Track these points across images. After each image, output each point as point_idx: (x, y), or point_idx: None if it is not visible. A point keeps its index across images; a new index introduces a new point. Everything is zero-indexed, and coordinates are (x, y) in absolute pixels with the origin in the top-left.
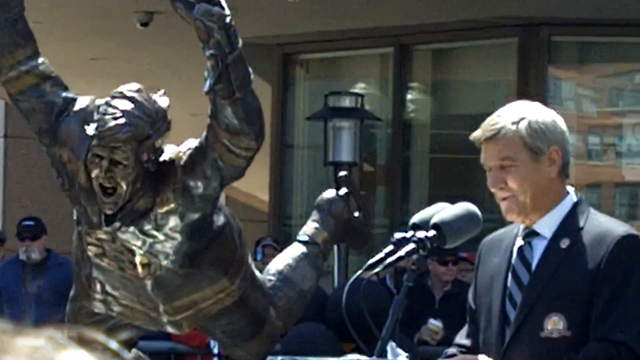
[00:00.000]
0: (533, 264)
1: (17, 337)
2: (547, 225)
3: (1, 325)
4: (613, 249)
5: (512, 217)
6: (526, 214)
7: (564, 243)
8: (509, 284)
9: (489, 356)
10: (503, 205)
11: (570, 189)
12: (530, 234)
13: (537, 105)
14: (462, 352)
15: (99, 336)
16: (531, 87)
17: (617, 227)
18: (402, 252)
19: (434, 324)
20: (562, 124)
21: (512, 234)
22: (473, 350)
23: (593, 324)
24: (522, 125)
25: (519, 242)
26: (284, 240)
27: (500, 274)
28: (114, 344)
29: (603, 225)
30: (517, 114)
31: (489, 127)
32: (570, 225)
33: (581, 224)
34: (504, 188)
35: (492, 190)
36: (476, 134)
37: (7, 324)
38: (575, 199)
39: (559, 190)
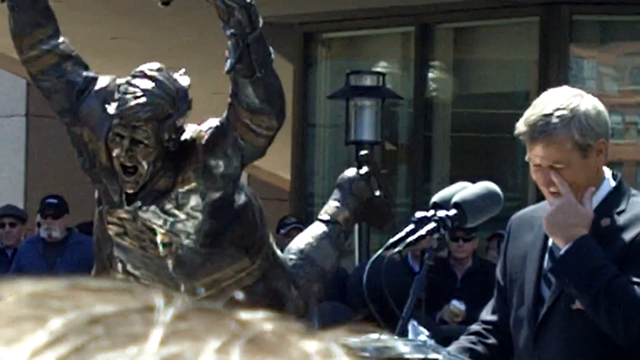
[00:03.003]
0: None
1: (297, 338)
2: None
3: (288, 325)
4: None
5: None
6: None
7: (604, 222)
8: (545, 264)
9: (521, 333)
10: (551, 199)
11: (607, 170)
12: None
13: (579, 94)
14: (486, 330)
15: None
16: (552, 66)
17: None
18: (422, 231)
19: (457, 306)
20: (604, 111)
21: (545, 211)
22: (499, 326)
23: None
24: (574, 125)
25: None
26: (305, 219)
27: (534, 253)
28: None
29: None
30: (565, 112)
31: (538, 127)
32: (610, 206)
33: (622, 206)
34: (554, 185)
35: (540, 186)
36: (522, 131)
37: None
38: (613, 182)
39: (600, 175)
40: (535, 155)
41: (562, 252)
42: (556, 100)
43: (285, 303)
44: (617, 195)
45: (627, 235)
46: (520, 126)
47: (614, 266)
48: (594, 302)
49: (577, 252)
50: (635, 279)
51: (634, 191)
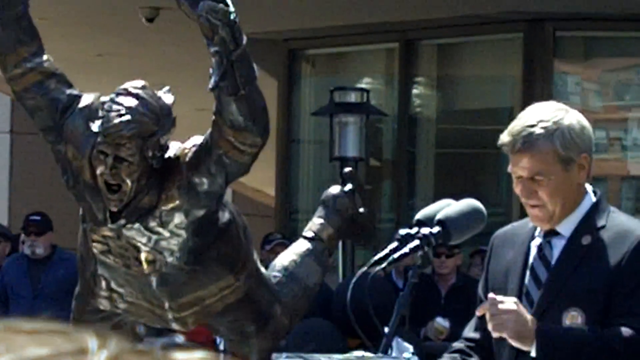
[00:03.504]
0: (552, 261)
1: (170, 354)
2: (567, 225)
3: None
4: (636, 247)
5: (541, 224)
6: (555, 221)
7: (586, 240)
8: (526, 281)
9: (503, 351)
10: (532, 213)
11: (588, 186)
12: (550, 233)
13: (564, 108)
14: (469, 347)
15: None
16: (537, 82)
17: (638, 226)
18: (406, 249)
19: (441, 323)
20: (589, 127)
21: (527, 228)
22: (481, 343)
23: (610, 318)
24: (557, 137)
25: (537, 240)
26: (289, 235)
27: (515, 270)
28: None
29: (625, 224)
30: (549, 124)
31: (521, 138)
32: (591, 223)
33: (602, 222)
34: (534, 198)
35: (521, 197)
36: (505, 141)
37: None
38: (594, 198)
39: (581, 191)
40: (517, 166)
41: (533, 351)
42: (541, 113)
43: (269, 320)
44: (597, 212)
45: (611, 256)
46: (504, 137)
47: (585, 331)
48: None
49: (547, 343)
50: (621, 321)
51: (613, 208)
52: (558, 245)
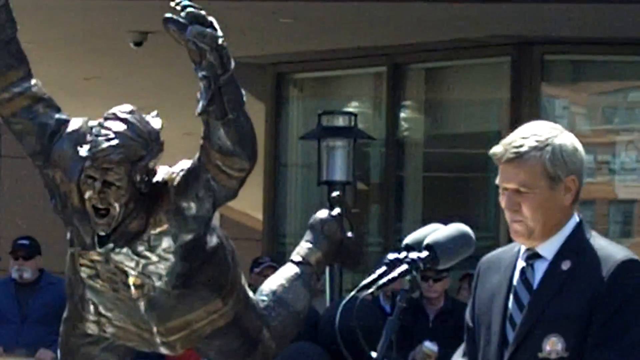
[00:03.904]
0: (534, 285)
1: None
2: (549, 248)
3: None
4: (614, 273)
5: (520, 240)
6: (534, 239)
7: (565, 265)
8: (509, 305)
9: None
10: (512, 227)
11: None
12: (533, 256)
13: (559, 129)
14: None
15: None
16: (524, 106)
17: (619, 252)
18: (395, 274)
19: (429, 347)
20: (582, 151)
21: (512, 252)
22: None
23: (588, 346)
24: (546, 152)
25: (521, 263)
26: (277, 259)
27: (500, 294)
28: None
29: (605, 249)
30: (542, 138)
31: (512, 148)
32: (572, 247)
33: (583, 246)
34: (517, 211)
35: (505, 210)
36: (497, 151)
37: None
38: (577, 220)
39: (567, 215)
40: (504, 176)
41: None
42: (536, 130)
43: (258, 345)
44: (578, 236)
45: (591, 282)
46: (496, 147)
47: None
48: None
49: None
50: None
51: (593, 232)
52: (540, 268)
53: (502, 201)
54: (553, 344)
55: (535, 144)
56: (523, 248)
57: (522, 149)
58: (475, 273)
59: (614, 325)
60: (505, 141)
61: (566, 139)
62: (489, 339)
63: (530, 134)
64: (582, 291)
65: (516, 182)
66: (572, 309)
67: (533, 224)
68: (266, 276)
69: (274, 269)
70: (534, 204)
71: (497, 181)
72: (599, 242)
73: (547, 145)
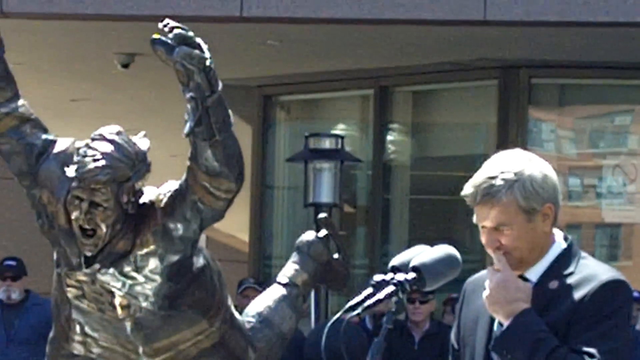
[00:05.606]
0: None
1: None
2: (535, 271)
3: None
4: (597, 291)
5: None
6: (520, 267)
7: (552, 285)
8: (495, 327)
9: None
10: (491, 275)
11: (558, 233)
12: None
13: (526, 157)
14: None
15: None
16: (511, 129)
17: (606, 272)
18: (381, 295)
19: None
20: (553, 176)
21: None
22: None
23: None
24: (517, 188)
25: None
26: (263, 281)
27: (485, 317)
28: None
29: (592, 269)
30: (510, 175)
31: (481, 190)
32: (559, 269)
33: (571, 269)
34: (499, 248)
35: (486, 248)
36: (468, 193)
37: None
38: (564, 244)
39: (549, 239)
40: (480, 216)
41: (503, 328)
42: (503, 164)
43: None
44: (567, 258)
45: (574, 298)
46: (467, 188)
47: (554, 338)
48: None
49: (517, 327)
50: (575, 348)
51: (584, 254)
52: None
53: (482, 239)
54: None
55: (503, 182)
56: None
57: (493, 190)
58: (460, 294)
59: (592, 334)
60: (474, 181)
61: (534, 168)
62: None
63: (497, 172)
64: (566, 305)
65: (492, 221)
66: (555, 325)
67: (517, 254)
68: (248, 297)
69: (257, 291)
70: (514, 238)
71: (474, 220)
72: (588, 263)
73: (516, 180)
